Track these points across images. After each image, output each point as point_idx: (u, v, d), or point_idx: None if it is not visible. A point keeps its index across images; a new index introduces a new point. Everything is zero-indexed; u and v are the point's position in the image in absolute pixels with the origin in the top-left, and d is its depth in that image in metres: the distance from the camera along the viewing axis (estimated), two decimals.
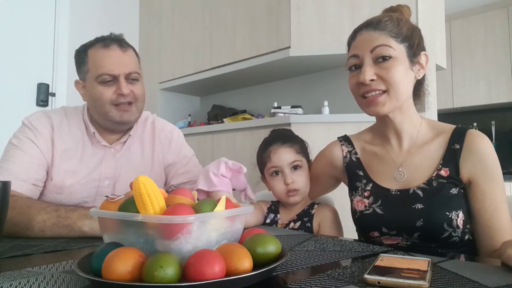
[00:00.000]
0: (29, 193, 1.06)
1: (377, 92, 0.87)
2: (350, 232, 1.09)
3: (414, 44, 0.90)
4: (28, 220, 0.90)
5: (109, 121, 1.15)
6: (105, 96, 1.10)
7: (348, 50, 0.95)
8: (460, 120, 4.20)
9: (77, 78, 1.19)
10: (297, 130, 1.26)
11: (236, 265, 0.49)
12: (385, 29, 0.88)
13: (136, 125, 1.25)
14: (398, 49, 0.87)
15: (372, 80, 0.86)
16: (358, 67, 0.90)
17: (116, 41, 1.14)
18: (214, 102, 3.28)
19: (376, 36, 0.87)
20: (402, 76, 0.87)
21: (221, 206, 0.57)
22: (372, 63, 0.87)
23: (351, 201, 1.00)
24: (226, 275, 0.48)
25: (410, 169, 0.93)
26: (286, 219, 1.11)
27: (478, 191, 0.87)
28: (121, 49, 1.12)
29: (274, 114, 2.40)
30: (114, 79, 1.10)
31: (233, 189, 1.04)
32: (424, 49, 0.93)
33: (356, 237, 1.01)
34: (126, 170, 1.21)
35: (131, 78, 1.13)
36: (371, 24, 0.90)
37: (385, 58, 0.86)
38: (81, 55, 1.14)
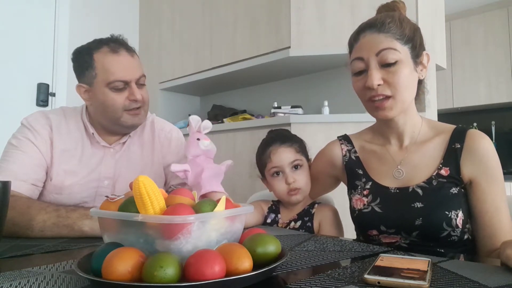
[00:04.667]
0: (29, 193, 1.06)
1: (384, 96, 0.87)
2: (350, 231, 1.09)
3: (417, 45, 0.89)
4: (28, 220, 0.90)
5: (119, 126, 1.16)
6: (118, 102, 1.11)
7: (350, 51, 0.94)
8: (460, 120, 4.20)
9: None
10: (297, 130, 1.26)
11: (236, 265, 0.49)
12: (389, 31, 0.87)
13: None
14: (403, 52, 0.86)
15: (379, 84, 0.86)
16: (363, 70, 0.90)
17: (123, 45, 1.14)
18: (214, 102, 3.28)
19: (381, 39, 0.87)
20: (408, 78, 0.87)
21: (221, 206, 0.57)
22: (378, 66, 0.87)
23: (350, 199, 1.00)
24: (226, 275, 0.48)
25: (409, 167, 0.93)
26: (286, 218, 1.11)
27: (479, 191, 0.87)
28: (129, 54, 1.13)
29: (274, 114, 2.40)
30: (126, 84, 1.11)
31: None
32: (424, 48, 0.93)
33: (356, 236, 1.01)
34: (126, 170, 1.21)
35: (140, 83, 1.15)
36: (374, 26, 0.88)
37: (391, 62, 0.86)
38: (86, 58, 1.12)
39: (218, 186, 0.92)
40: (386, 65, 0.86)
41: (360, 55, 0.89)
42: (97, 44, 1.13)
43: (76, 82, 1.17)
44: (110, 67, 1.09)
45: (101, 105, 1.13)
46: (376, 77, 0.85)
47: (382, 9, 0.98)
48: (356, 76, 0.92)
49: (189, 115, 3.61)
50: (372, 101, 0.89)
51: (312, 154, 1.15)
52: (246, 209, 0.61)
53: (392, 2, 0.97)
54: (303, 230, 1.06)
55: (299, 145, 1.11)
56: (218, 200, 0.58)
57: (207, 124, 0.91)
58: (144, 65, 1.21)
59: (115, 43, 1.13)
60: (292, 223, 1.09)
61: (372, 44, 0.87)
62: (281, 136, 1.12)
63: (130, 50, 1.15)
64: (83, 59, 1.12)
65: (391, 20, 0.88)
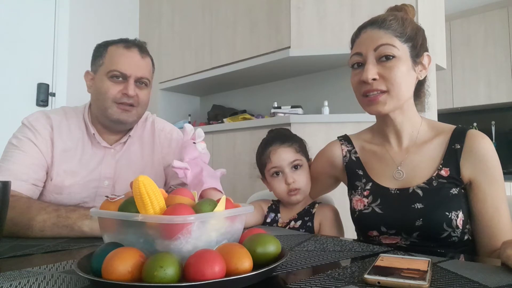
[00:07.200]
0: (29, 193, 1.06)
1: (378, 92, 0.87)
2: (350, 231, 1.09)
3: (418, 45, 0.90)
4: (28, 220, 0.90)
5: (106, 118, 1.15)
6: (110, 92, 1.11)
7: (352, 47, 0.95)
8: (460, 120, 4.20)
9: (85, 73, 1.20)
10: (297, 130, 1.26)
11: (236, 265, 0.49)
12: (389, 28, 0.87)
13: (136, 125, 1.26)
14: (401, 49, 0.87)
15: (374, 79, 0.86)
16: (360, 65, 0.90)
17: (138, 46, 1.17)
18: (214, 102, 3.28)
19: (381, 34, 0.87)
20: (404, 76, 0.87)
21: (221, 206, 0.57)
22: (375, 61, 0.87)
23: (350, 200, 1.00)
24: (226, 275, 0.48)
25: (410, 168, 0.93)
26: (286, 218, 1.11)
27: (479, 192, 0.87)
28: (140, 54, 1.16)
29: (274, 114, 2.40)
30: (124, 78, 1.12)
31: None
32: (427, 50, 0.93)
33: (357, 237, 1.01)
34: (126, 171, 1.21)
35: (140, 82, 1.15)
36: (376, 23, 0.89)
37: (388, 58, 0.86)
38: (101, 49, 1.16)
39: (218, 186, 0.93)
40: (382, 60, 0.86)
41: (359, 50, 0.90)
42: (117, 40, 1.17)
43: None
44: (116, 58, 1.12)
45: (96, 92, 1.15)
46: (371, 71, 0.86)
47: (390, 11, 0.98)
48: (354, 70, 0.92)
49: (189, 115, 3.57)
50: (366, 96, 0.89)
51: (312, 154, 1.15)
52: (246, 209, 0.61)
53: (401, 5, 0.97)
54: (303, 230, 1.06)
55: (299, 145, 1.11)
56: (218, 200, 0.58)
57: (201, 133, 0.95)
58: None
59: (132, 43, 1.17)
60: (292, 223, 1.09)
61: (371, 40, 0.88)
62: (281, 136, 1.12)
63: (143, 51, 1.17)
64: (99, 50, 1.17)
65: (393, 18, 0.89)
